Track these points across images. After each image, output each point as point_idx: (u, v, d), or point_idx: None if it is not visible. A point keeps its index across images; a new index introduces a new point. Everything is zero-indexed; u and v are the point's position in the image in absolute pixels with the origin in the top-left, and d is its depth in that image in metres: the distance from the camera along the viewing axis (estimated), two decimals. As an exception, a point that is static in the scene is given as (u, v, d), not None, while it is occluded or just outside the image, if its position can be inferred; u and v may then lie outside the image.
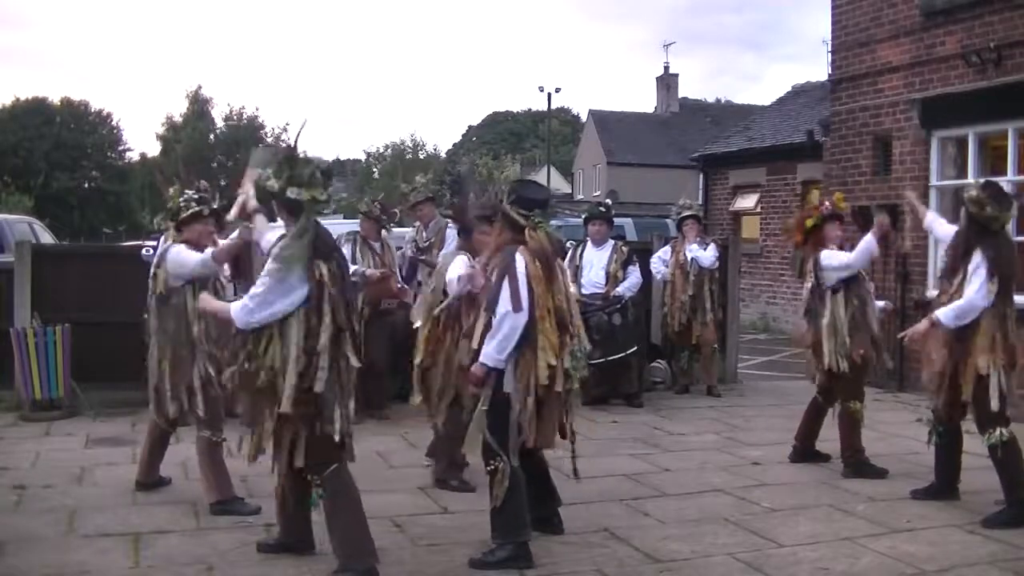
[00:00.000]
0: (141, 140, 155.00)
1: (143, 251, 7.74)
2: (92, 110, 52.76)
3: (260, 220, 4.86)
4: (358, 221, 8.94)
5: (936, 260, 9.21)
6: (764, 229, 18.18)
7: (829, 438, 6.97)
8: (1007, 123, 9.52)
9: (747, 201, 18.83)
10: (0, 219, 14.01)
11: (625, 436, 7.95)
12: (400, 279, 8.50)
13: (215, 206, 5.65)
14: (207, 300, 4.84)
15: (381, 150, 59.99)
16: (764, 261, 18.05)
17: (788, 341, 14.48)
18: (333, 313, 4.42)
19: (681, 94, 43.62)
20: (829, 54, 11.91)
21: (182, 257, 5.47)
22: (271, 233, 4.67)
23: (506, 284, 4.69)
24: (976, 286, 5.54)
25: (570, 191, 45.67)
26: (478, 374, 4.75)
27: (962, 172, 9.99)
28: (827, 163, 11.95)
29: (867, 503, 6.01)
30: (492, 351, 4.69)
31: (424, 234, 8.77)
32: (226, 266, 5.65)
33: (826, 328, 6.68)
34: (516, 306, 4.66)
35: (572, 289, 5.61)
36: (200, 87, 58.26)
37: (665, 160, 36.36)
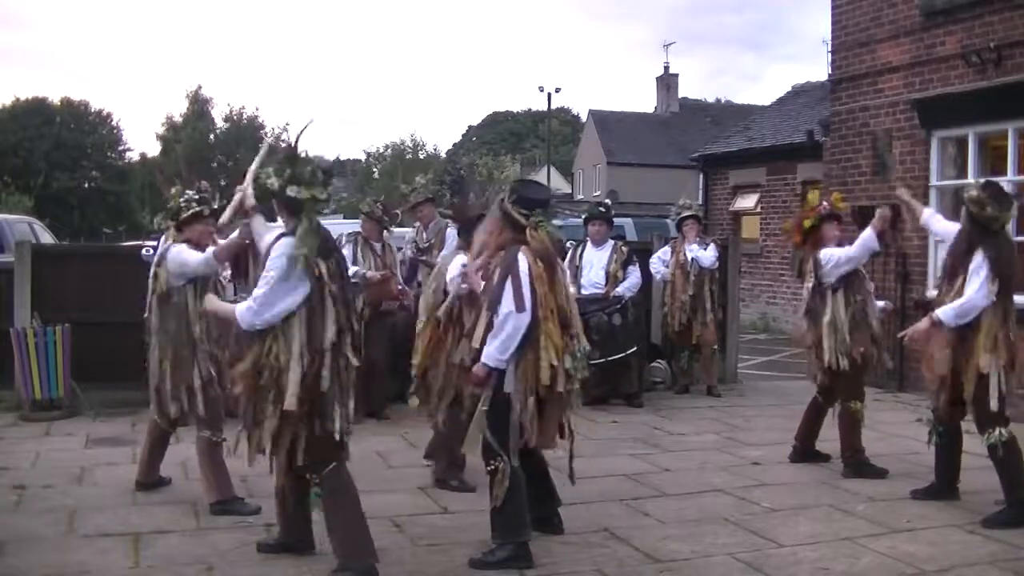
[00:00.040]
0: (141, 140, 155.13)
1: (143, 251, 7.74)
2: (92, 110, 52.79)
3: (258, 220, 4.86)
4: (359, 221, 8.94)
5: (936, 260, 9.21)
6: (764, 229, 18.19)
7: (829, 438, 6.97)
8: (1007, 123, 9.51)
9: (747, 201, 18.84)
10: (0, 219, 14.02)
11: (625, 436, 7.95)
12: (400, 280, 8.49)
13: (215, 206, 5.65)
14: (213, 302, 4.84)
15: (381, 150, 59.97)
16: (764, 261, 18.06)
17: (788, 341, 14.48)
18: (335, 310, 4.43)
19: (681, 94, 43.65)
20: (829, 54, 11.92)
21: (183, 256, 5.47)
22: (269, 234, 4.67)
23: (509, 284, 4.69)
24: (977, 286, 5.55)
25: (570, 191, 45.67)
26: (480, 375, 4.74)
27: (962, 172, 9.99)
28: (827, 163, 11.95)
29: (867, 503, 6.01)
30: (495, 351, 4.68)
31: (424, 235, 8.77)
32: (226, 266, 5.65)
33: (826, 327, 6.68)
34: (519, 306, 4.66)
35: (571, 289, 5.61)
36: (200, 87, 58.32)
37: (665, 160, 36.37)
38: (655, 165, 37.01)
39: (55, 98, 51.37)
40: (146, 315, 5.72)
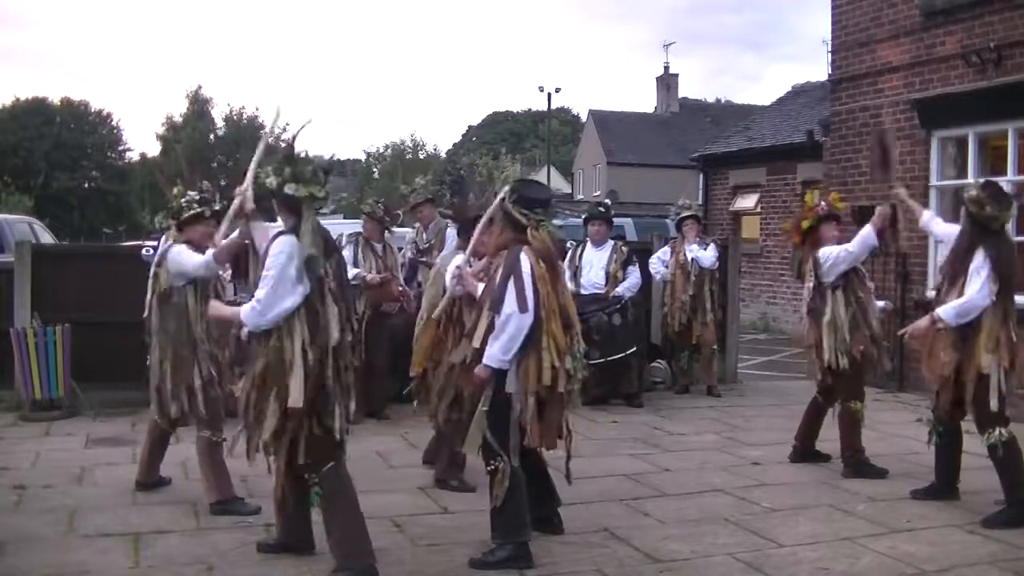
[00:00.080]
0: (141, 140, 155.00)
1: (143, 251, 7.74)
2: (92, 110, 52.79)
3: (257, 222, 4.87)
4: (359, 221, 8.92)
5: (936, 260, 9.20)
6: (764, 229, 18.19)
7: (829, 438, 6.97)
8: (1007, 123, 9.52)
9: (747, 201, 18.84)
10: (0, 219, 14.02)
11: (625, 436, 7.95)
12: (401, 281, 8.49)
13: (217, 207, 5.65)
14: (217, 308, 4.86)
15: (381, 150, 59.98)
16: (764, 261, 18.06)
17: (788, 341, 14.50)
18: (336, 308, 4.45)
19: (681, 94, 43.65)
20: (829, 54, 11.93)
21: (183, 258, 5.47)
22: (268, 233, 4.68)
23: (512, 284, 4.68)
24: (978, 286, 5.55)
25: (570, 191, 45.67)
26: (482, 376, 4.73)
27: (962, 172, 9.99)
28: (827, 163, 11.95)
29: (867, 503, 6.01)
30: (497, 352, 4.67)
31: (424, 235, 8.76)
32: (226, 266, 5.65)
33: (826, 326, 6.68)
34: (522, 307, 4.65)
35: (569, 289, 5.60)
36: (200, 87, 58.34)
37: (665, 160, 36.38)
38: (655, 165, 37.02)
39: (55, 98, 51.48)
40: (145, 315, 5.72)
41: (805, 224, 6.90)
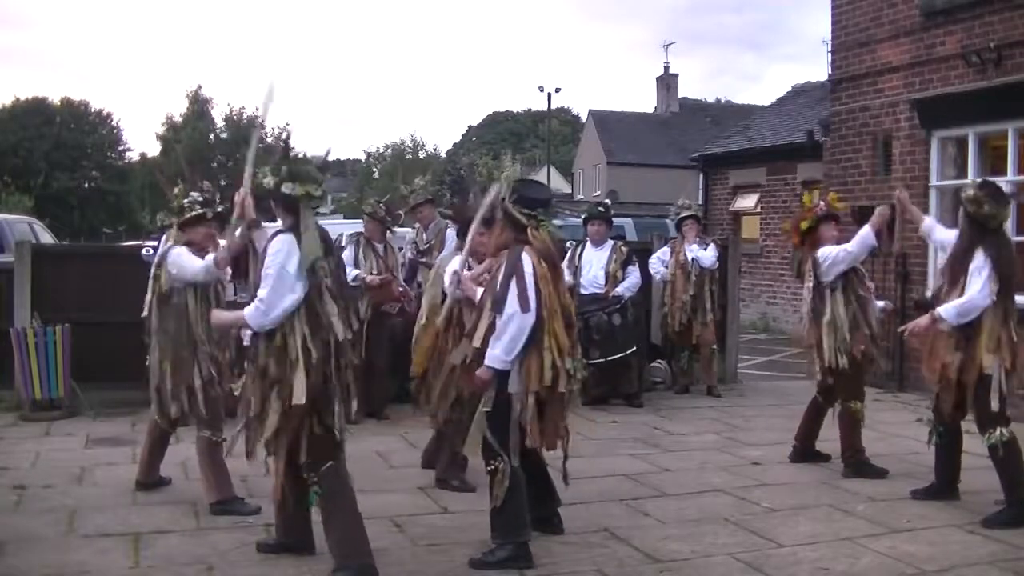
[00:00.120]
0: (141, 140, 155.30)
1: (143, 251, 7.74)
2: (92, 110, 52.75)
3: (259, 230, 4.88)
4: (359, 221, 8.92)
5: (936, 260, 9.20)
6: (764, 229, 18.19)
7: (829, 438, 6.97)
8: (1007, 123, 9.51)
9: (747, 201, 18.84)
10: (0, 219, 14.01)
11: (625, 436, 7.95)
12: (401, 282, 8.49)
13: (219, 209, 5.65)
14: (219, 316, 4.89)
15: (381, 150, 60.07)
16: (764, 261, 18.06)
17: (788, 341, 14.50)
18: (335, 306, 4.45)
19: (681, 94, 43.62)
20: (829, 54, 11.92)
21: (182, 262, 5.46)
22: (267, 233, 4.69)
23: (514, 284, 4.67)
24: (979, 285, 5.55)
25: (570, 191, 45.66)
26: (484, 378, 4.72)
27: (962, 172, 9.98)
28: (827, 163, 11.95)
29: (867, 503, 6.01)
30: (500, 353, 4.66)
31: (424, 236, 8.77)
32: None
33: (826, 326, 6.68)
34: (524, 307, 4.64)
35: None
36: (200, 87, 58.36)
37: (665, 160, 36.36)
38: (655, 165, 37.01)
39: (55, 98, 51.43)
40: (144, 315, 5.72)
41: (804, 224, 6.90)
